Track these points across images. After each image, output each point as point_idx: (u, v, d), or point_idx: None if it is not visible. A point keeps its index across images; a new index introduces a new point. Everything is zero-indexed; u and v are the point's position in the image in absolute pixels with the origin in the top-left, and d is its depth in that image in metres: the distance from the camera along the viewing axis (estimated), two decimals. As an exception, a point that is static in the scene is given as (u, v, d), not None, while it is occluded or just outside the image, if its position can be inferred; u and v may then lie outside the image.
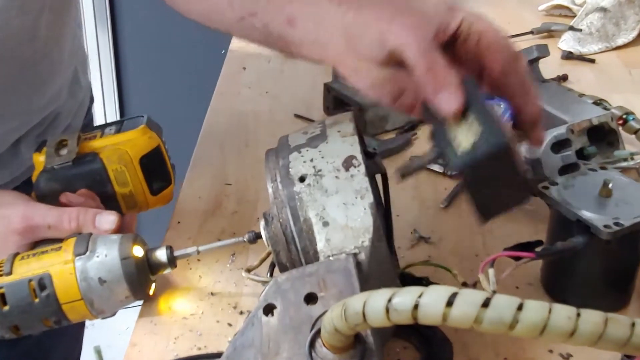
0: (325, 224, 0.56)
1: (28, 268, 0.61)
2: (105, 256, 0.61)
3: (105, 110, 2.02)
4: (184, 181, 0.89)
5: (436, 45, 0.54)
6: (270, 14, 0.62)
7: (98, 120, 2.02)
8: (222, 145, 0.98)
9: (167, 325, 0.67)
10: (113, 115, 2.02)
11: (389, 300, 0.40)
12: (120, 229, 0.66)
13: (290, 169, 0.58)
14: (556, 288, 0.71)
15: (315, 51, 0.60)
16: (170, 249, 0.64)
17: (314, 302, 0.54)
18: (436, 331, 0.64)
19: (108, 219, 0.67)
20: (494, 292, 0.56)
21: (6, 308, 0.60)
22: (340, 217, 0.56)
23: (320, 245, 0.56)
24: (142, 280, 0.62)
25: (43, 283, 0.60)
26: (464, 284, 0.67)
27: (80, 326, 1.13)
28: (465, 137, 0.53)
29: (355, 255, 0.55)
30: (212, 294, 0.71)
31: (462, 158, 0.53)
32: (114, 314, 0.63)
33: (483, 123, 0.53)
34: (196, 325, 0.67)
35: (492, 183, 0.54)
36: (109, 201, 0.70)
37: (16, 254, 0.63)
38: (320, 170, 0.58)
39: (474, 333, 0.66)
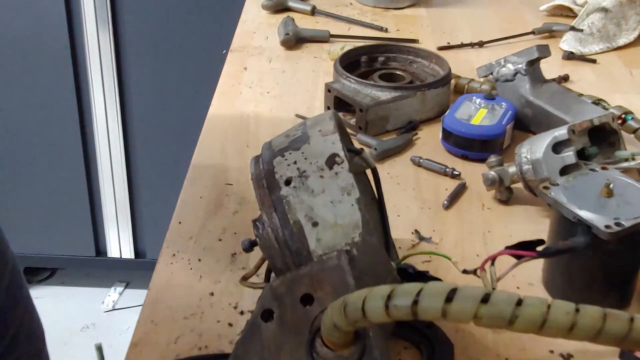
0: (315, 224, 0.56)
1: None
2: None
3: (106, 110, 2.02)
4: (185, 181, 0.89)
5: None
6: None
7: (99, 120, 2.02)
8: (223, 145, 0.98)
9: (168, 326, 0.67)
10: (114, 115, 2.02)
11: (389, 297, 0.40)
12: None
13: (275, 174, 0.58)
14: (557, 288, 0.71)
15: None
16: None
17: (310, 303, 0.53)
18: (437, 332, 0.64)
19: None
20: (493, 289, 0.55)
21: None
22: (329, 215, 0.56)
23: (312, 245, 0.55)
24: None
25: None
26: (465, 272, 0.68)
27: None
28: None
29: (347, 251, 0.55)
30: (212, 294, 0.71)
31: None
32: None
33: None
34: (197, 325, 0.67)
35: None
36: None
37: None
38: (304, 172, 0.57)
39: (475, 334, 0.66)
